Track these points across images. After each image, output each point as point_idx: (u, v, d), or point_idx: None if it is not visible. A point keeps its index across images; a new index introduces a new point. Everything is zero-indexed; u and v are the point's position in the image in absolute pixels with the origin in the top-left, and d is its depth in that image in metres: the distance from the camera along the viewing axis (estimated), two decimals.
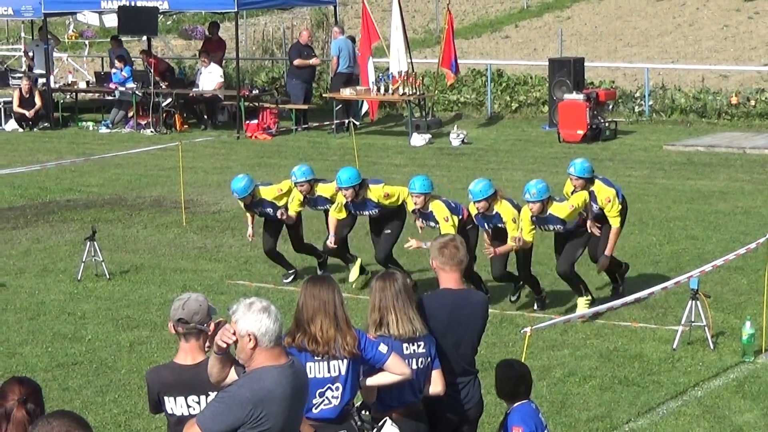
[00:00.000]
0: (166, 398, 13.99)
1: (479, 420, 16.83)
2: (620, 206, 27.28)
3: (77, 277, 31.74)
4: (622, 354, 24.08)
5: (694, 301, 23.78)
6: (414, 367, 15.39)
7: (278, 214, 30.97)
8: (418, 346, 15.54)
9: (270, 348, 12.15)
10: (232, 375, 12.72)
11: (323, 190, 30.90)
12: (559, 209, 24.93)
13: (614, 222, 26.86)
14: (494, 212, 25.96)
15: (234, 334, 12.04)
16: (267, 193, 31.04)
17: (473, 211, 27.00)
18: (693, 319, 23.90)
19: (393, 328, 15.33)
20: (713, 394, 21.88)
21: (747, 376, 22.62)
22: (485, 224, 26.52)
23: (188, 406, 13.77)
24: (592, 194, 26.79)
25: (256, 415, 11.90)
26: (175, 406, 13.86)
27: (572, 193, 27.60)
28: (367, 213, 29.19)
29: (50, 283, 32.07)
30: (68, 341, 26.95)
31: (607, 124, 47.77)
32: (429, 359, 15.60)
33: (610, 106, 48.55)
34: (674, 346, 23.99)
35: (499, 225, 26.51)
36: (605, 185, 27.19)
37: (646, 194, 38.33)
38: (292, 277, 32.35)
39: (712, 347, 23.87)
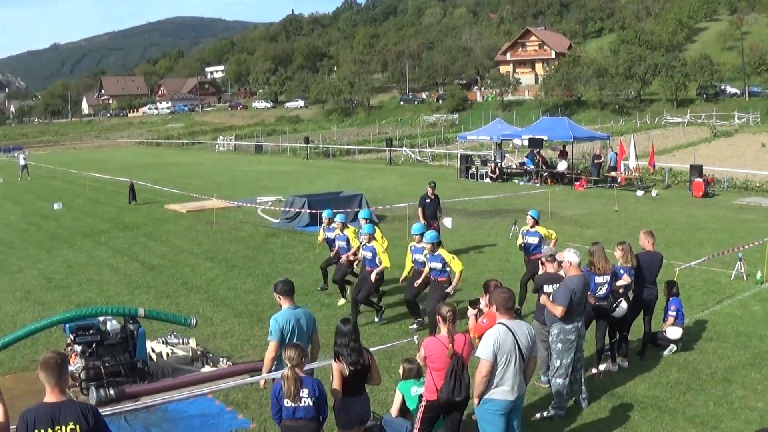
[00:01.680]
0: (544, 286, 14.43)
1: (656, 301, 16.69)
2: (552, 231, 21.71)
3: (516, 236, 30.65)
4: (712, 280, 23.57)
5: (739, 261, 23.68)
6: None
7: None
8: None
9: (576, 268, 13.40)
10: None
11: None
12: (443, 252, 18.18)
13: (552, 236, 21.23)
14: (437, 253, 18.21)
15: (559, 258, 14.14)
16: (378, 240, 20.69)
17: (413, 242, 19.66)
18: (738, 269, 23.62)
19: (628, 262, 15.73)
20: (745, 298, 21.68)
21: (757, 292, 22.27)
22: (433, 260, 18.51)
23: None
24: (537, 233, 20.92)
25: (575, 292, 13.28)
26: (548, 288, 14.18)
27: (526, 231, 21.28)
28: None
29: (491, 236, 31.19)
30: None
31: (713, 191, 45.81)
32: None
33: (712, 184, 46.91)
34: (731, 278, 23.49)
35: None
36: (543, 227, 21.59)
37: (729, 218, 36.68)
38: (325, 289, 23.31)
39: (745, 279, 23.33)
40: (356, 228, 22.21)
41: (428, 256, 18.46)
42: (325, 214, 23.44)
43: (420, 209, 28.54)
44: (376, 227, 21.11)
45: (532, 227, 21.10)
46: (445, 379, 10.90)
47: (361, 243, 20.55)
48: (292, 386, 10.09)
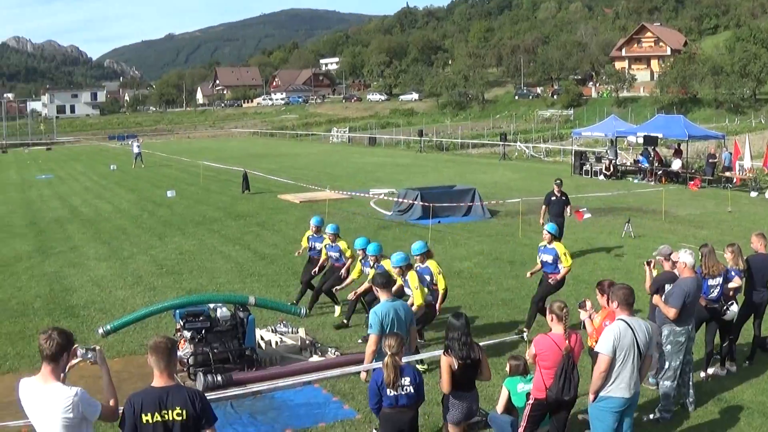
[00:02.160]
0: (666, 285, 13.83)
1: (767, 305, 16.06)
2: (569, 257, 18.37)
3: (629, 235, 30.28)
4: None
5: None
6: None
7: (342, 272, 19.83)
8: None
9: (690, 269, 12.96)
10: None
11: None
12: (411, 277, 16.03)
13: (566, 263, 18.14)
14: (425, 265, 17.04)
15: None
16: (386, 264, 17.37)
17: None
18: None
19: (737, 264, 15.15)
20: None
21: None
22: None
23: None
24: (554, 250, 18.29)
25: (688, 294, 12.67)
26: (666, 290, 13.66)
27: (542, 247, 18.76)
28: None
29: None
30: None
31: None
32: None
33: None
34: None
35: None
36: (562, 244, 18.78)
37: None
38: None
39: None
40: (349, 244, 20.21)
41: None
42: (313, 221, 21.60)
43: (544, 207, 28.02)
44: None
45: (549, 243, 18.65)
46: (554, 377, 10.83)
47: (371, 265, 18.20)
48: (392, 374, 10.20)
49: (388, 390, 10.27)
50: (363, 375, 12.57)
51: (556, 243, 18.55)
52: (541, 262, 18.72)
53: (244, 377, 15.06)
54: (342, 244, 20.24)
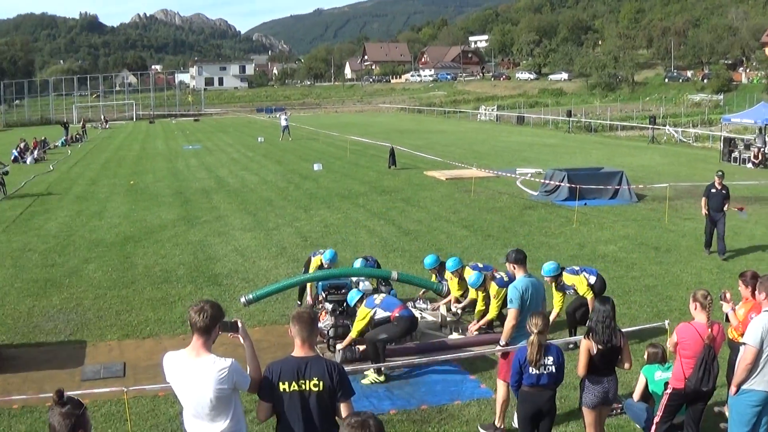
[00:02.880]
0: None
1: None
2: (586, 282, 16.22)
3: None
4: None
5: None
6: None
7: None
8: None
9: None
10: None
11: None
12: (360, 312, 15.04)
13: (582, 292, 16.16)
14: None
15: None
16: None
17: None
18: None
19: None
20: None
21: None
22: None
23: None
24: (564, 285, 16.39)
25: None
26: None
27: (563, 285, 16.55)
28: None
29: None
30: None
31: None
32: None
33: None
34: None
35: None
36: (570, 274, 16.49)
37: None
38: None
39: None
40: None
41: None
42: (327, 256, 18.64)
43: (704, 199, 26.99)
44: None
45: (557, 283, 16.60)
46: (694, 367, 10.60)
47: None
48: (536, 352, 10.20)
49: (530, 368, 10.25)
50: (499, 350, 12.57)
51: (564, 277, 16.59)
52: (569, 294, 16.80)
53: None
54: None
